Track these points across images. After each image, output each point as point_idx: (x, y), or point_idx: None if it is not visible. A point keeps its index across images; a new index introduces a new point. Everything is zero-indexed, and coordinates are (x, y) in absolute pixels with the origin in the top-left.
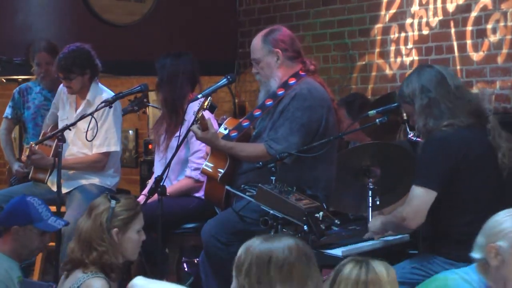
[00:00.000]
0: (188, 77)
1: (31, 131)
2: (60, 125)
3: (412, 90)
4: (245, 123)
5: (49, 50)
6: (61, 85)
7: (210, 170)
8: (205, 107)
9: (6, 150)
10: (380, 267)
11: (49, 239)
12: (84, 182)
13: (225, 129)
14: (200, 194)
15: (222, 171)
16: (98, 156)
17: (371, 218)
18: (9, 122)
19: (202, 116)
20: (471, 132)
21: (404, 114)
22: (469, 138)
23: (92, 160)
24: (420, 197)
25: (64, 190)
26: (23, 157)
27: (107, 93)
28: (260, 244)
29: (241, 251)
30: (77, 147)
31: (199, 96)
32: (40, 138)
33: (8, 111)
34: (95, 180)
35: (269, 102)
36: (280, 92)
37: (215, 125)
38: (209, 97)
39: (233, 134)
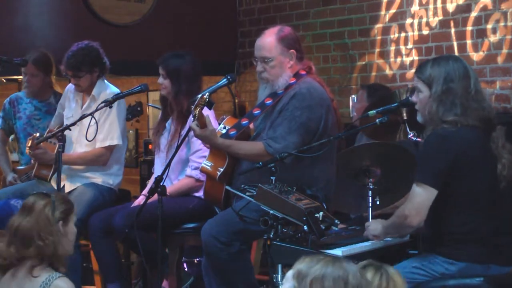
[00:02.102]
0: (199, 79)
1: (23, 141)
2: (65, 124)
3: (436, 74)
4: (244, 122)
5: (38, 63)
6: (68, 84)
7: (209, 168)
8: (202, 103)
9: (1, 161)
10: (397, 277)
11: None
12: (85, 181)
13: (224, 127)
14: (200, 194)
15: (221, 169)
16: (101, 150)
17: (371, 218)
18: (1, 133)
19: (200, 113)
20: (473, 132)
21: (404, 114)
22: (470, 138)
23: (95, 154)
24: (422, 195)
25: (67, 189)
26: (27, 150)
27: (112, 89)
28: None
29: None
30: (80, 145)
31: (198, 96)
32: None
33: None
34: (98, 180)
35: (268, 101)
36: (280, 91)
37: (215, 123)
38: (207, 93)
39: (232, 133)
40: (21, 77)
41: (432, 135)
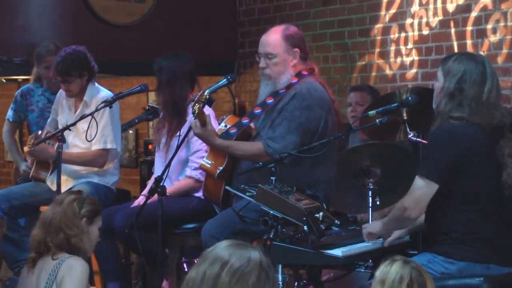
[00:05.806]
0: (187, 78)
1: None
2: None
3: (454, 69)
4: (245, 121)
5: (57, 52)
6: (60, 90)
7: (209, 166)
8: (202, 100)
9: (12, 151)
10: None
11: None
12: (82, 181)
13: (225, 126)
14: (200, 194)
15: (220, 168)
16: (98, 152)
17: (371, 218)
18: (11, 125)
19: (202, 111)
20: (480, 130)
21: (404, 114)
22: (476, 135)
23: (93, 154)
24: (422, 188)
25: (63, 189)
26: (26, 148)
27: (104, 93)
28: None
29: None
30: (75, 149)
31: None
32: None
33: (10, 113)
34: (94, 179)
35: (270, 101)
36: (282, 90)
37: (215, 123)
38: (207, 90)
39: (232, 131)
40: (21, 77)
41: (438, 130)
